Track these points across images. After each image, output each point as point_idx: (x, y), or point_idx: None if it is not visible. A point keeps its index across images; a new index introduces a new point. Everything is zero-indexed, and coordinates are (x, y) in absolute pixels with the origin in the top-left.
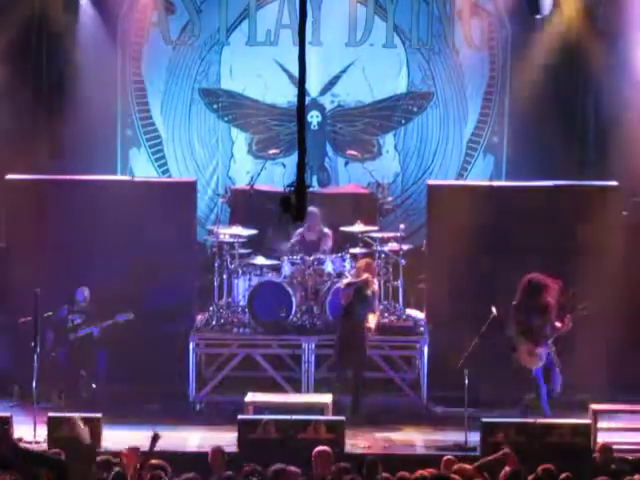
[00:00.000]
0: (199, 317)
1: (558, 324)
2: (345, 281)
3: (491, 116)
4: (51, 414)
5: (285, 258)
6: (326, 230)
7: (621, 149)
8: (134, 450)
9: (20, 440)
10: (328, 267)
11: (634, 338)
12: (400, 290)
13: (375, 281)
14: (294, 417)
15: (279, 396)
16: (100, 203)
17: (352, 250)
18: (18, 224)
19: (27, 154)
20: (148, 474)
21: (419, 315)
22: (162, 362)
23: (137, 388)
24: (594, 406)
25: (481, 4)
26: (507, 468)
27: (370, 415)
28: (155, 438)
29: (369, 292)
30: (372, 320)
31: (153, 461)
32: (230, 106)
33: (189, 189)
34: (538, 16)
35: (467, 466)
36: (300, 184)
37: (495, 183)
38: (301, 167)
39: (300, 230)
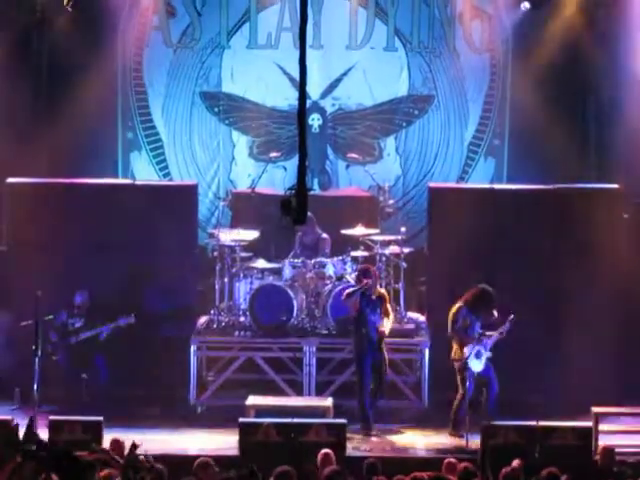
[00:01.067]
0: (200, 320)
1: (491, 333)
2: (346, 292)
3: (492, 119)
4: (52, 417)
5: (286, 261)
6: (324, 235)
7: (622, 151)
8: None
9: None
10: (329, 270)
11: (635, 340)
12: (401, 293)
13: (378, 285)
14: (295, 420)
15: (280, 399)
16: (101, 206)
17: (353, 253)
18: (19, 227)
19: (28, 157)
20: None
21: (420, 318)
22: (163, 365)
23: (138, 391)
24: (595, 409)
25: (481, 6)
26: (507, 468)
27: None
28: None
29: (374, 297)
30: (386, 324)
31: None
32: (231, 109)
33: (190, 192)
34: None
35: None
36: (301, 187)
37: (496, 186)
38: (302, 170)
39: (297, 234)
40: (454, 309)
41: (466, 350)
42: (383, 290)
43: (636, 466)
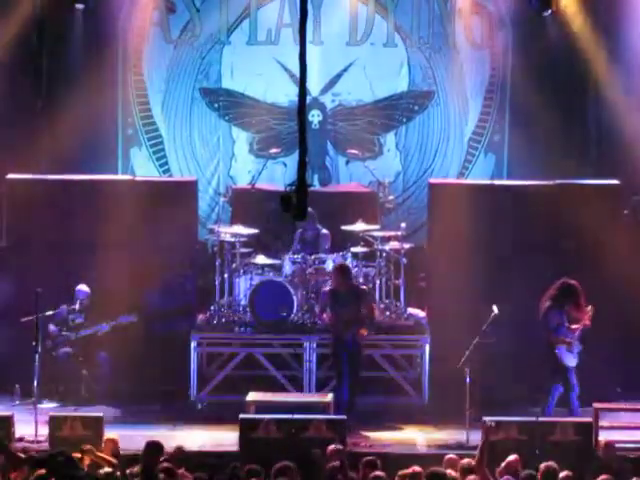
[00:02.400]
0: (200, 316)
1: (576, 326)
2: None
3: (492, 115)
4: (52, 413)
5: (286, 257)
6: (324, 231)
7: (622, 147)
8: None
9: (21, 439)
10: (329, 266)
11: (635, 336)
12: (401, 289)
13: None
14: (295, 416)
15: (280, 395)
16: (101, 202)
17: (353, 249)
18: (19, 223)
19: (28, 154)
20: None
21: (420, 314)
22: (163, 361)
23: (138, 388)
24: (596, 404)
25: (482, 2)
26: (504, 462)
27: (369, 414)
28: None
29: (341, 297)
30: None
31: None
32: (231, 105)
33: (190, 188)
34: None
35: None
36: (301, 183)
37: (496, 182)
38: (302, 166)
39: (298, 230)
40: (544, 309)
41: (560, 348)
42: (362, 286)
43: (637, 462)
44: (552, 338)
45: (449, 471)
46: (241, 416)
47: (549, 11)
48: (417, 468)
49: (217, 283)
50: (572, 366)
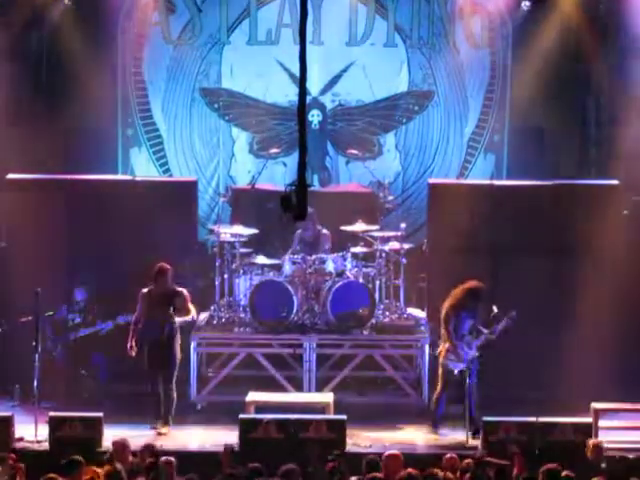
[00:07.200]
0: (200, 317)
1: (485, 330)
2: None
3: (492, 115)
4: (52, 414)
5: (286, 257)
6: (324, 231)
7: (622, 148)
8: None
9: (21, 440)
10: (329, 266)
11: (635, 336)
12: (401, 289)
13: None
14: (295, 416)
15: (280, 395)
16: (101, 203)
17: (353, 249)
18: (19, 224)
19: (28, 154)
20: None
21: (420, 314)
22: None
23: (138, 387)
24: (595, 405)
25: (482, 3)
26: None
27: (369, 414)
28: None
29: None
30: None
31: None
32: (231, 105)
33: (190, 188)
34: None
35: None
36: (301, 183)
37: (496, 182)
38: (302, 166)
39: (297, 231)
40: (445, 308)
41: (447, 349)
42: (180, 289)
43: (636, 462)
44: (448, 338)
45: (448, 474)
46: (241, 416)
47: (549, 12)
48: (411, 470)
49: (217, 283)
50: (453, 369)
